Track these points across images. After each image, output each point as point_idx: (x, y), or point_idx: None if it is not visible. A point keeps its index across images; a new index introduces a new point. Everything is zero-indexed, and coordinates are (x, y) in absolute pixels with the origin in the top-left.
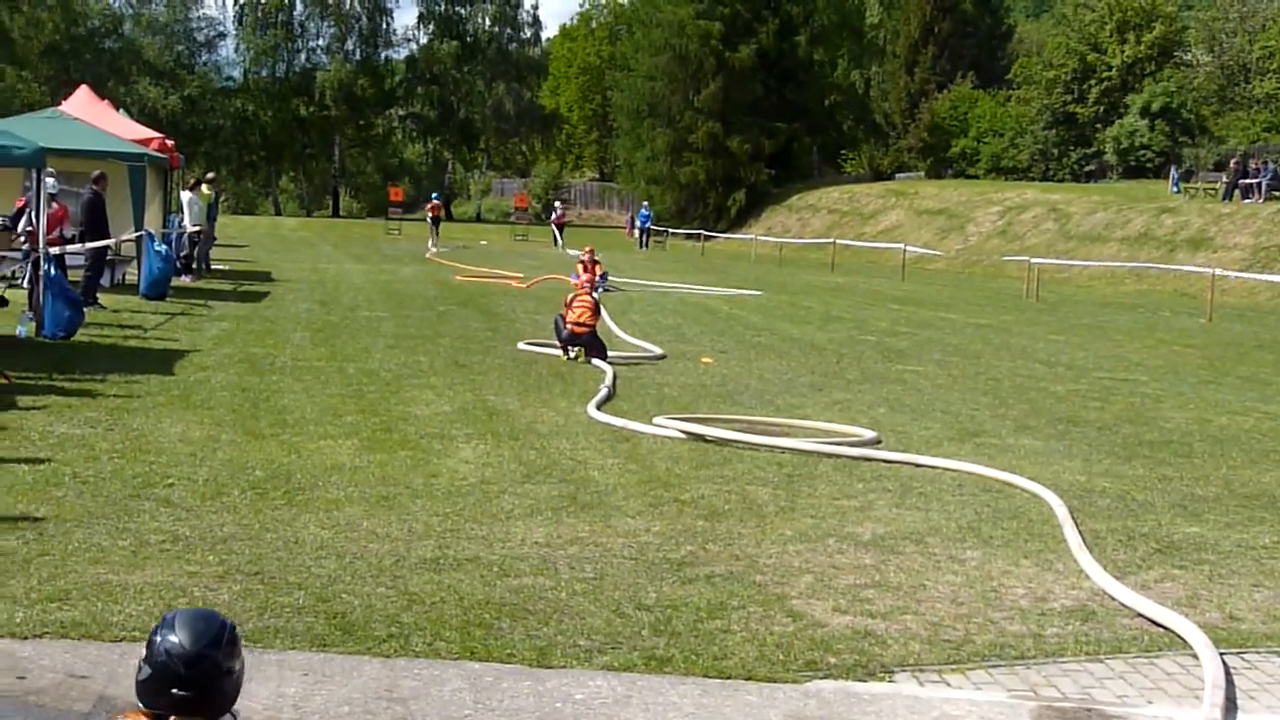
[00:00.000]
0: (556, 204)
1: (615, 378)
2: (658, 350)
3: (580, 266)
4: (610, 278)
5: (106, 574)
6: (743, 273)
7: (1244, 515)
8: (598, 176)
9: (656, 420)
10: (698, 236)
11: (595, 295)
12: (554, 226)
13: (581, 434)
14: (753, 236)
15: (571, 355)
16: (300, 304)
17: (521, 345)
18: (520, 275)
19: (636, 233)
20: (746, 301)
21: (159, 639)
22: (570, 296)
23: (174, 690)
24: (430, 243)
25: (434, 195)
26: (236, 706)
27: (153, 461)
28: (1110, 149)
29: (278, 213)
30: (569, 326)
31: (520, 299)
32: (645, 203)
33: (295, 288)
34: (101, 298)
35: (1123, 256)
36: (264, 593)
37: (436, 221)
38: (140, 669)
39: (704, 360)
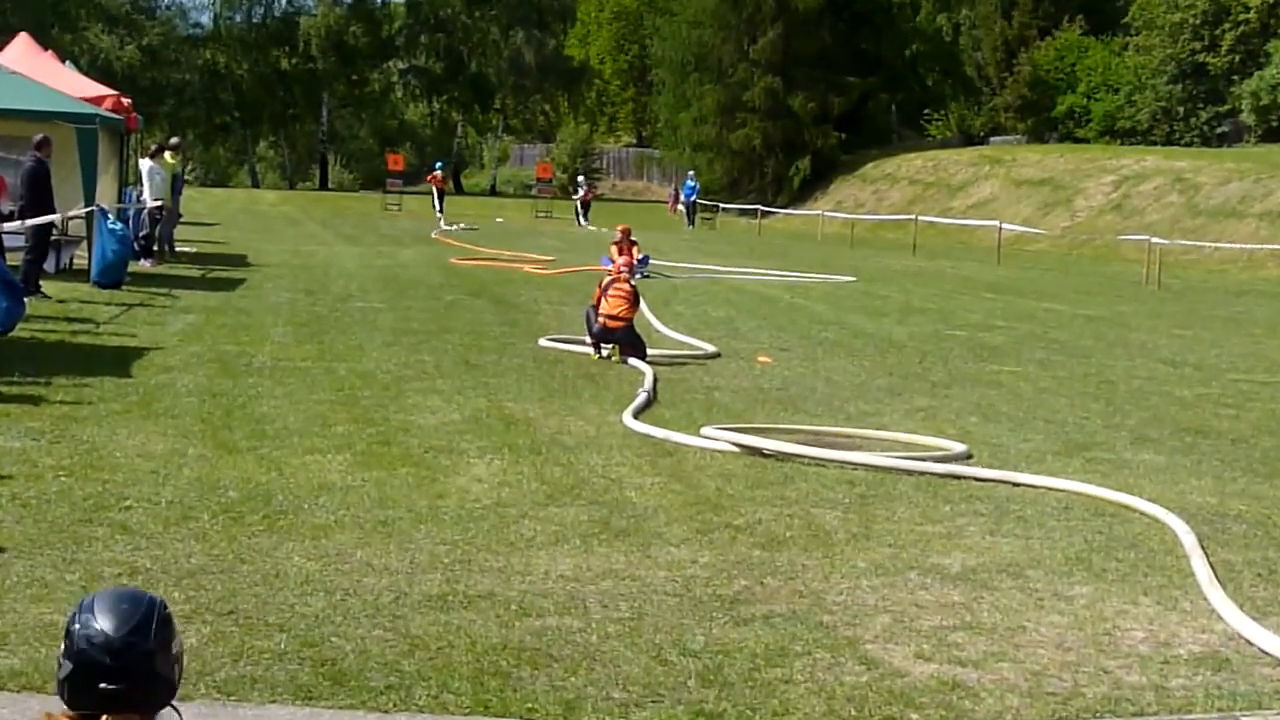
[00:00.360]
0: (580, 179)
1: (656, 380)
2: (709, 347)
3: (615, 249)
4: (651, 261)
5: (52, 614)
6: (807, 255)
7: None
8: (635, 142)
9: (705, 431)
10: (754, 213)
11: (633, 283)
12: (578, 204)
13: (616, 447)
14: (819, 212)
15: (604, 354)
16: (281, 293)
17: (543, 341)
18: (551, 259)
19: (681, 208)
20: (810, 290)
21: (78, 627)
22: (604, 283)
23: (101, 685)
24: (439, 221)
25: (436, 164)
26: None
27: (107, 480)
28: (1248, 106)
29: (255, 185)
30: (601, 319)
31: (543, 287)
32: (691, 173)
33: (275, 274)
34: (45, 285)
35: (1262, 235)
36: (239, 636)
37: (441, 195)
38: (60, 665)
39: (761, 360)
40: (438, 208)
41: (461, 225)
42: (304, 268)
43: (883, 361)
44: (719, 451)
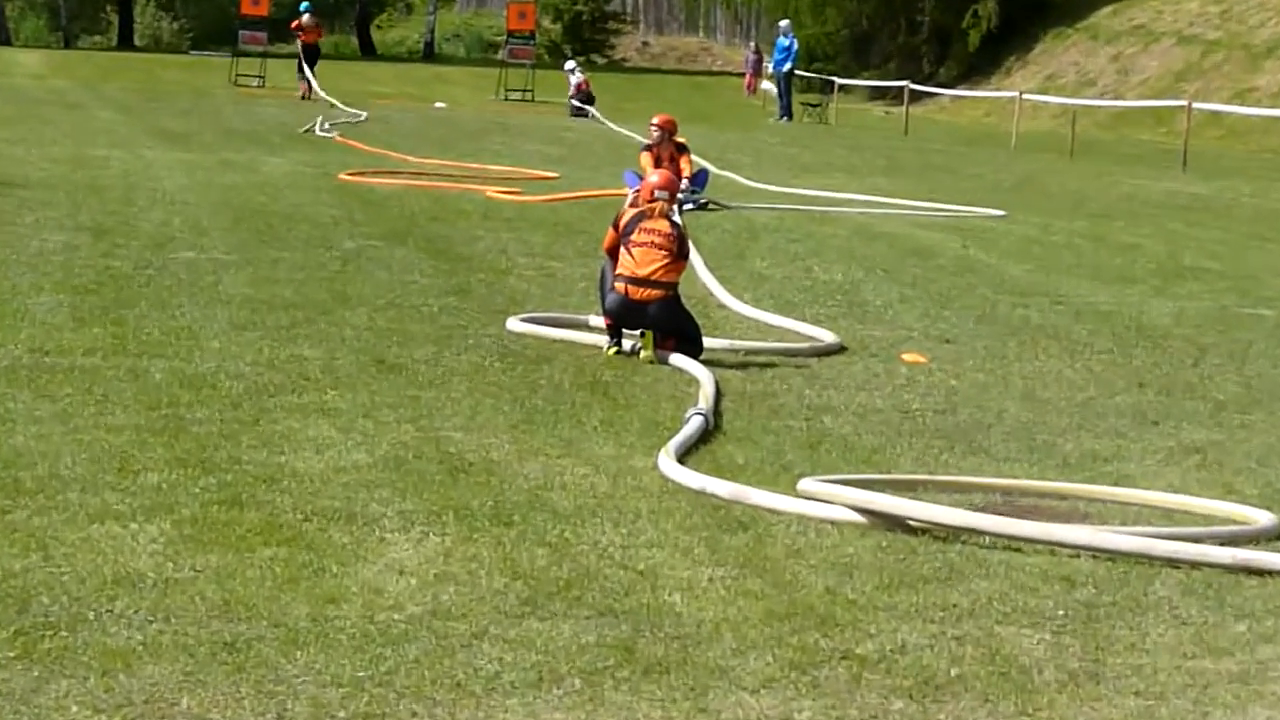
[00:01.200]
0: (569, 65)
1: (719, 395)
2: (825, 336)
3: (648, 158)
4: (710, 175)
5: None
6: (991, 171)
7: None
8: None
9: (805, 486)
10: (896, 94)
11: (678, 219)
12: (571, 102)
13: (646, 514)
14: (1013, 94)
15: (628, 346)
16: (51, 233)
17: (514, 324)
18: (553, 175)
19: (767, 87)
20: (996, 234)
21: None
22: (624, 220)
23: None
24: (315, 101)
25: (302, 5)
26: None
27: None
28: None
29: (4, 41)
30: (621, 285)
31: (517, 226)
32: (785, 24)
33: (40, 199)
34: None
35: None
36: None
37: (312, 57)
38: None
39: (909, 359)
40: (308, 79)
41: (363, 114)
42: (91, 188)
43: (1127, 363)
44: (829, 521)
